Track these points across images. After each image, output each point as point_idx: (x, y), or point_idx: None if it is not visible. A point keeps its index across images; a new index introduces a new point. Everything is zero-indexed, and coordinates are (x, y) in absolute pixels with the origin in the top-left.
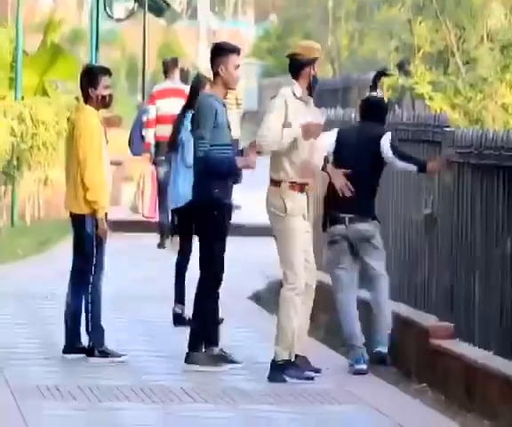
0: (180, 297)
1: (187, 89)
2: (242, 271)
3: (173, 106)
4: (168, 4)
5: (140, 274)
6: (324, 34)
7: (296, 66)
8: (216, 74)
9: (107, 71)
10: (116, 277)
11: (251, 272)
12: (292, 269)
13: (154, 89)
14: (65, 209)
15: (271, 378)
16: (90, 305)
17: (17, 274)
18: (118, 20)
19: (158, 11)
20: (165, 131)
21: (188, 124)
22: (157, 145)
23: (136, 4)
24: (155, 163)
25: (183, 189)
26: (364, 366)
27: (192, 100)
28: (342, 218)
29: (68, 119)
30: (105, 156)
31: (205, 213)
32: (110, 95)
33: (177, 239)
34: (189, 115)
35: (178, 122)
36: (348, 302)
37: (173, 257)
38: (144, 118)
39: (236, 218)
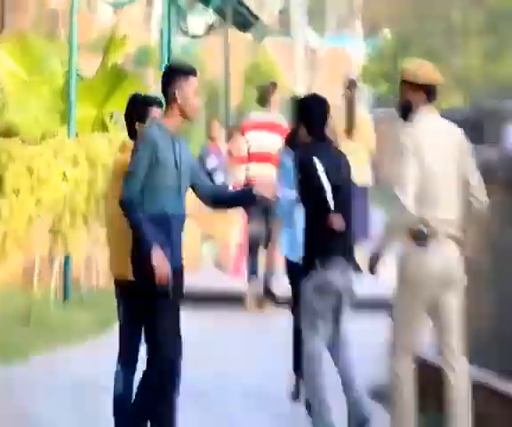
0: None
1: (282, 123)
2: (358, 357)
3: (267, 142)
4: (256, 17)
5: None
6: (450, 52)
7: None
8: (170, 101)
9: (158, 102)
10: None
11: (369, 358)
12: None
13: (247, 119)
14: (112, 275)
15: None
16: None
17: (72, 361)
18: (195, 37)
19: (244, 24)
20: (258, 171)
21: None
22: None
23: (217, 18)
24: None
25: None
26: None
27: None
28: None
29: (114, 161)
30: None
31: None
32: None
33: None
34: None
35: None
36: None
37: None
38: (235, 152)
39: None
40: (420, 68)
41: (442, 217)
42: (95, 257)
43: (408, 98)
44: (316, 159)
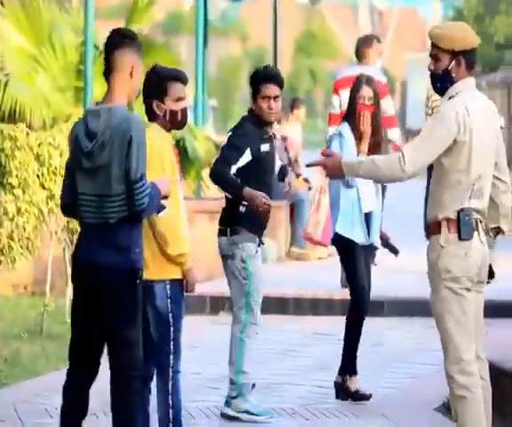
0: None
1: (380, 79)
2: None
3: None
4: None
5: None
6: None
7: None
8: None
9: (179, 77)
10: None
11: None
12: None
13: (338, 75)
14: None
15: None
16: (171, 411)
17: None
18: (236, 0)
19: None
20: None
21: None
22: None
23: None
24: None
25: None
26: None
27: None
28: None
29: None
30: (180, 196)
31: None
32: (183, 111)
33: None
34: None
35: None
36: None
37: None
38: (331, 110)
39: (405, 292)
40: (458, 32)
41: (482, 207)
42: None
43: (444, 67)
44: None
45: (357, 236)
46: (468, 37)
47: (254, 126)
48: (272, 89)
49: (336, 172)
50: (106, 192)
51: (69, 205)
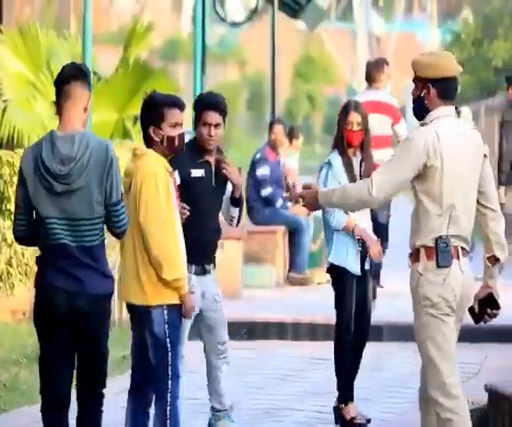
0: None
1: (394, 103)
2: None
3: (373, 123)
4: None
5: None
6: None
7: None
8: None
9: (176, 103)
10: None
11: None
12: None
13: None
14: (122, 299)
15: None
16: None
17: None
18: (235, 25)
19: (294, 9)
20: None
21: None
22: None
23: (261, 1)
24: None
25: None
26: None
27: None
28: None
29: (124, 173)
30: (178, 220)
31: None
32: (181, 136)
33: None
34: (334, 153)
35: None
36: None
37: None
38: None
39: None
40: (432, 60)
41: (462, 233)
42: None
43: (417, 94)
44: None
45: (351, 264)
46: (441, 67)
47: (191, 152)
48: (213, 117)
49: (313, 202)
50: (85, 215)
51: (27, 235)
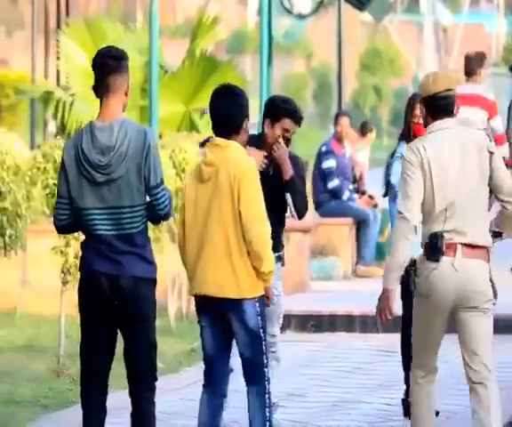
0: None
1: (489, 96)
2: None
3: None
4: None
5: None
6: None
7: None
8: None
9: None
10: None
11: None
12: None
13: None
14: (208, 293)
15: None
16: (267, 424)
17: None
18: (301, 17)
19: (360, 1)
20: None
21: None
22: None
23: None
24: None
25: None
26: None
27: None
28: None
29: (204, 163)
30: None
31: None
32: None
33: None
34: (402, 145)
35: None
36: None
37: None
38: None
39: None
40: (422, 81)
41: (463, 229)
42: (185, 278)
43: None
44: None
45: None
46: (427, 85)
47: (256, 146)
48: (293, 126)
49: None
50: (126, 203)
51: (69, 224)
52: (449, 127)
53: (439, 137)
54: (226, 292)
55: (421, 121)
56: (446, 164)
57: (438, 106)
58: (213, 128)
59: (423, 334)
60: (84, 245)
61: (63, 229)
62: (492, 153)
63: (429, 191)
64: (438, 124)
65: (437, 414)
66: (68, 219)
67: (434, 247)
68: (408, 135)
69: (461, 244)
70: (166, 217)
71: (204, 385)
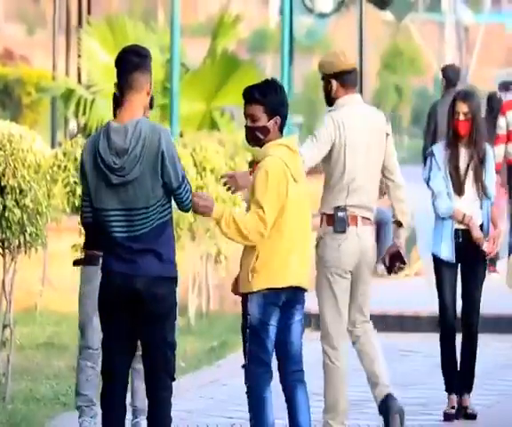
0: None
1: None
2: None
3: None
4: None
5: None
6: None
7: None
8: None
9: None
10: None
11: None
12: None
13: (507, 97)
14: (301, 284)
15: None
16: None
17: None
18: (322, 16)
19: (382, 0)
20: None
21: None
22: (510, 169)
23: None
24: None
25: None
26: None
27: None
28: None
29: (286, 165)
30: None
31: None
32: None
33: None
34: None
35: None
36: None
37: None
38: (498, 131)
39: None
40: (327, 59)
41: (362, 203)
42: (205, 277)
43: (325, 88)
44: None
45: (444, 250)
46: (335, 63)
47: None
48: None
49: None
50: (140, 205)
51: (93, 222)
52: (358, 102)
53: (352, 112)
54: (306, 284)
55: (461, 118)
56: (357, 137)
57: (347, 80)
58: None
59: (335, 302)
60: (103, 245)
61: (87, 225)
62: (388, 135)
63: (342, 162)
64: (351, 97)
65: (474, 416)
66: (91, 217)
67: (339, 220)
68: (448, 132)
69: (361, 216)
70: (189, 210)
71: (268, 384)
